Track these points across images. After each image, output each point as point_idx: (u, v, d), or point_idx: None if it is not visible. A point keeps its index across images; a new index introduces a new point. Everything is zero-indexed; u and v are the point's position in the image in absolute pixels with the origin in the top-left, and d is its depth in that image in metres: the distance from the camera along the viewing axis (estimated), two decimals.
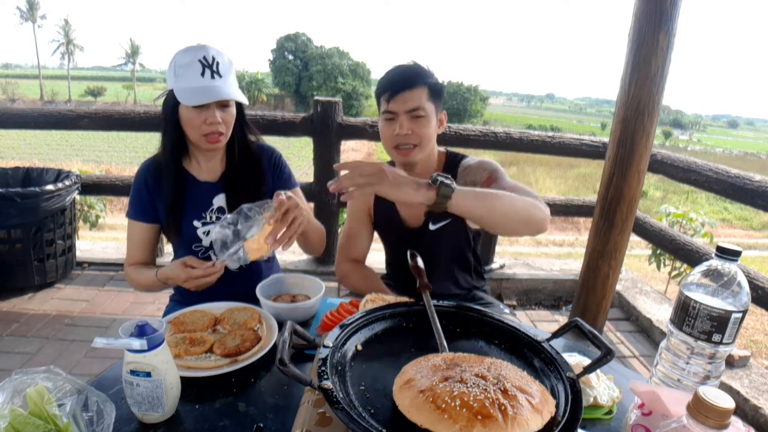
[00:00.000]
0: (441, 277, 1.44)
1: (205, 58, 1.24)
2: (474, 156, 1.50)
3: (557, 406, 0.72)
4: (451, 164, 1.45)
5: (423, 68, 1.35)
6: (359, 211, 1.54)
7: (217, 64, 1.26)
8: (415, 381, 0.67)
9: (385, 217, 1.50)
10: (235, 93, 1.28)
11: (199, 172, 1.40)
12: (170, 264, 1.28)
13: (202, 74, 1.24)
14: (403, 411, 0.64)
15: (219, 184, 1.41)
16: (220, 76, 1.26)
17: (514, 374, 0.69)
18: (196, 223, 1.38)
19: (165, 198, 1.35)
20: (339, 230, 3.40)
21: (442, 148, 1.49)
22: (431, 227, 1.42)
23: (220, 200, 1.40)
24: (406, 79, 1.31)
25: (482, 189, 1.15)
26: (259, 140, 1.49)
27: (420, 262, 1.14)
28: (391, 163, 1.52)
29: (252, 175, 1.42)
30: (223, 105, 1.28)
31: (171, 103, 1.29)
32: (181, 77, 1.25)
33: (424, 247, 1.26)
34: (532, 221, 1.17)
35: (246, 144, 1.43)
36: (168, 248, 3.50)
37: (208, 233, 1.39)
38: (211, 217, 1.39)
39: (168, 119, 1.31)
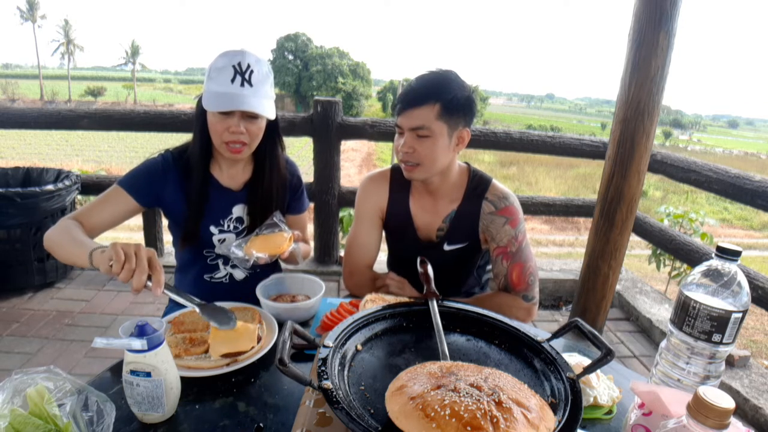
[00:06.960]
0: (446, 284, 1.44)
1: (239, 64, 1.18)
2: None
3: (557, 407, 0.72)
4: (476, 187, 1.39)
5: (443, 81, 1.27)
6: (372, 211, 1.47)
7: (251, 72, 1.19)
8: (407, 387, 0.66)
9: (399, 223, 1.45)
10: (261, 105, 1.21)
11: (221, 177, 1.36)
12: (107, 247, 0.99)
13: (232, 80, 1.18)
14: (393, 418, 0.63)
15: (241, 193, 1.37)
16: (251, 85, 1.19)
17: (511, 386, 0.66)
18: (212, 229, 1.35)
19: (189, 200, 1.31)
20: (339, 229, 3.39)
21: (464, 164, 1.44)
22: (446, 248, 1.40)
23: (239, 210, 1.37)
24: (415, 96, 1.25)
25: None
26: (284, 152, 1.44)
27: (429, 269, 1.14)
28: (396, 168, 1.50)
29: (277, 192, 1.39)
30: (250, 116, 1.22)
31: (201, 105, 1.26)
32: (212, 80, 1.20)
33: (434, 261, 1.23)
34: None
35: (276, 158, 1.38)
36: (167, 248, 3.49)
37: (223, 241, 1.36)
38: (228, 226, 1.36)
39: (197, 120, 1.29)
